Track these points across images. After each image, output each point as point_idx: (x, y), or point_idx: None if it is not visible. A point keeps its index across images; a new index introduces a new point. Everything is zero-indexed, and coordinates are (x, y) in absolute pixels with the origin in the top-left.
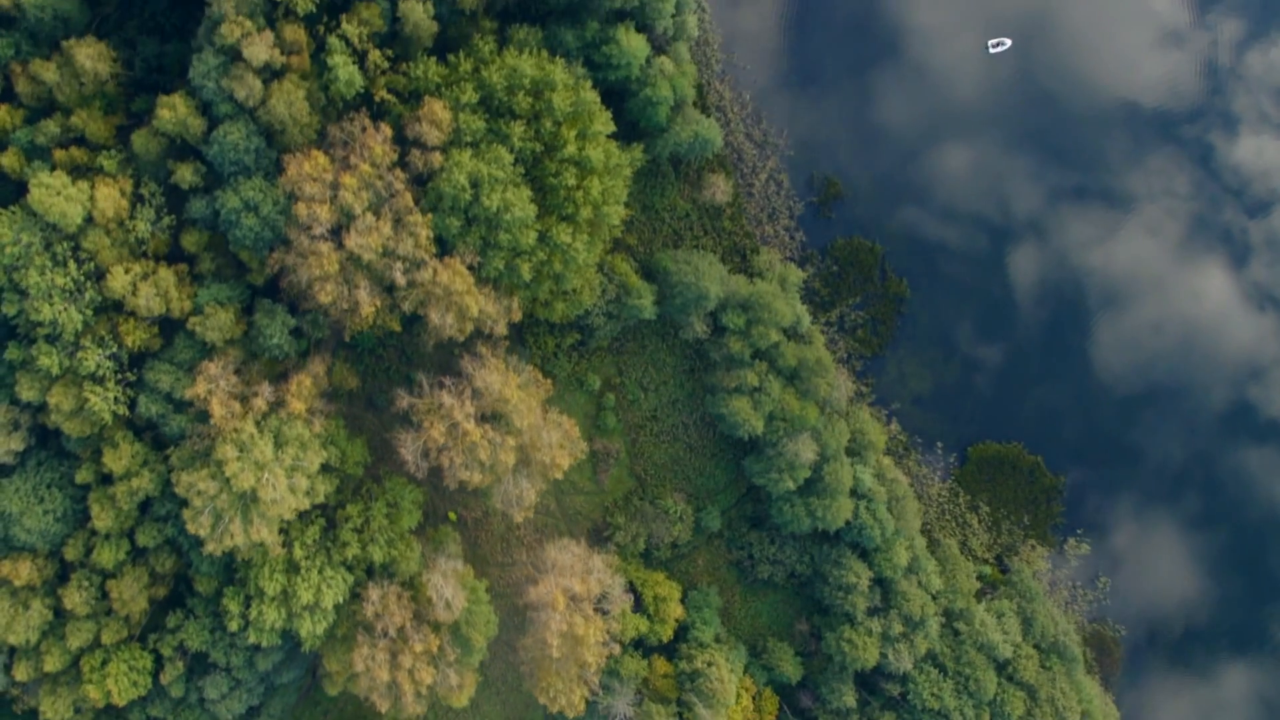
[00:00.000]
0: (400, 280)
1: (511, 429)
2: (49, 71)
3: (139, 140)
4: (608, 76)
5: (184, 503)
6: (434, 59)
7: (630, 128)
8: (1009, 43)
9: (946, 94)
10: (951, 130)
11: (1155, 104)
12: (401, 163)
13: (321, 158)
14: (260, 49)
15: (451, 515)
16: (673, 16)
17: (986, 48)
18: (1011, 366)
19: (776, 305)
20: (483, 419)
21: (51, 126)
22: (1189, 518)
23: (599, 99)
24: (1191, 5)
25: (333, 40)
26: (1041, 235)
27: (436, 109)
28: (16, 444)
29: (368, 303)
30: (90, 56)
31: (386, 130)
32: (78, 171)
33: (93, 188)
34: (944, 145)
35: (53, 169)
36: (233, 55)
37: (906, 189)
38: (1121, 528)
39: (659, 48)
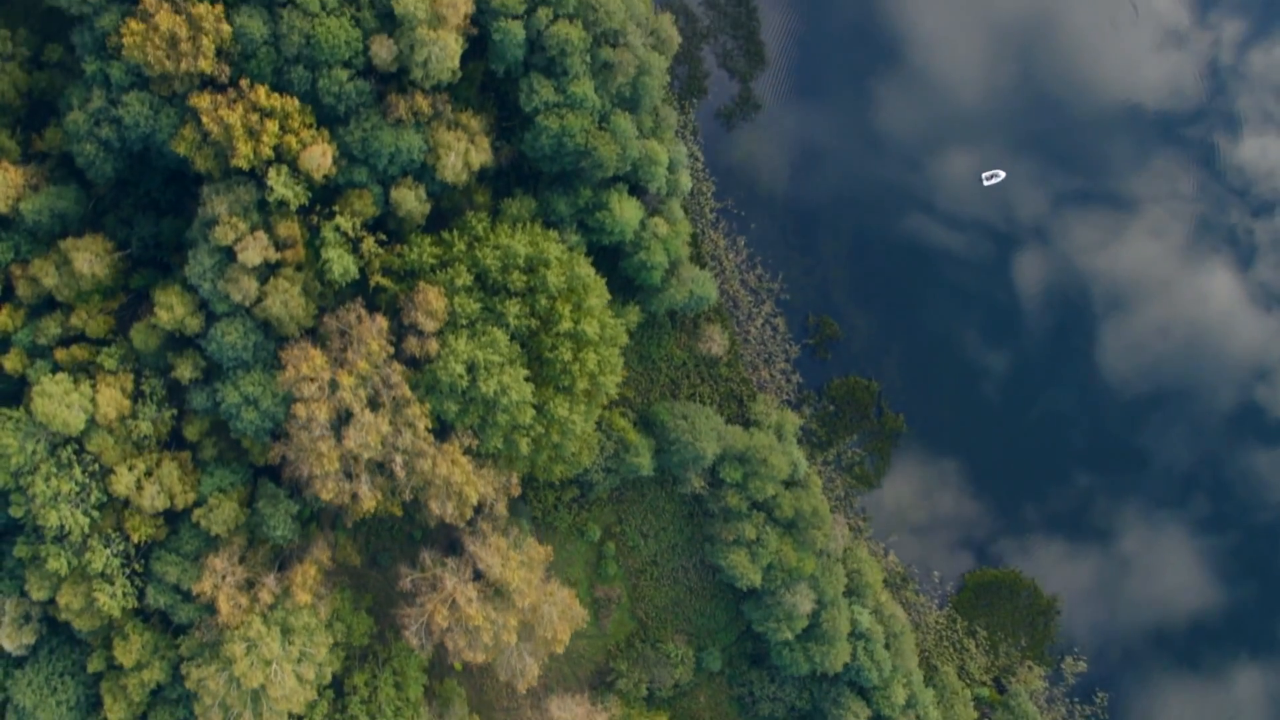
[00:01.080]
0: (400, 473)
1: (513, 607)
2: (48, 276)
3: (138, 336)
4: (602, 240)
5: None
6: (428, 237)
7: (626, 282)
8: (1003, 174)
9: (944, 239)
10: (946, 268)
11: (1158, 106)
12: (398, 345)
13: (319, 358)
14: (254, 253)
15: (457, 665)
16: (666, 176)
17: (980, 179)
18: (1016, 383)
19: (773, 459)
20: (484, 596)
21: (52, 327)
22: (1198, 520)
23: (593, 270)
24: (1192, 5)
25: (327, 233)
26: (1044, 242)
27: (431, 298)
28: (28, 637)
29: (369, 496)
30: (87, 261)
31: (382, 322)
32: (79, 368)
33: (95, 389)
34: (940, 277)
35: (54, 369)
36: (228, 254)
37: (903, 326)
38: (1130, 532)
39: (653, 208)
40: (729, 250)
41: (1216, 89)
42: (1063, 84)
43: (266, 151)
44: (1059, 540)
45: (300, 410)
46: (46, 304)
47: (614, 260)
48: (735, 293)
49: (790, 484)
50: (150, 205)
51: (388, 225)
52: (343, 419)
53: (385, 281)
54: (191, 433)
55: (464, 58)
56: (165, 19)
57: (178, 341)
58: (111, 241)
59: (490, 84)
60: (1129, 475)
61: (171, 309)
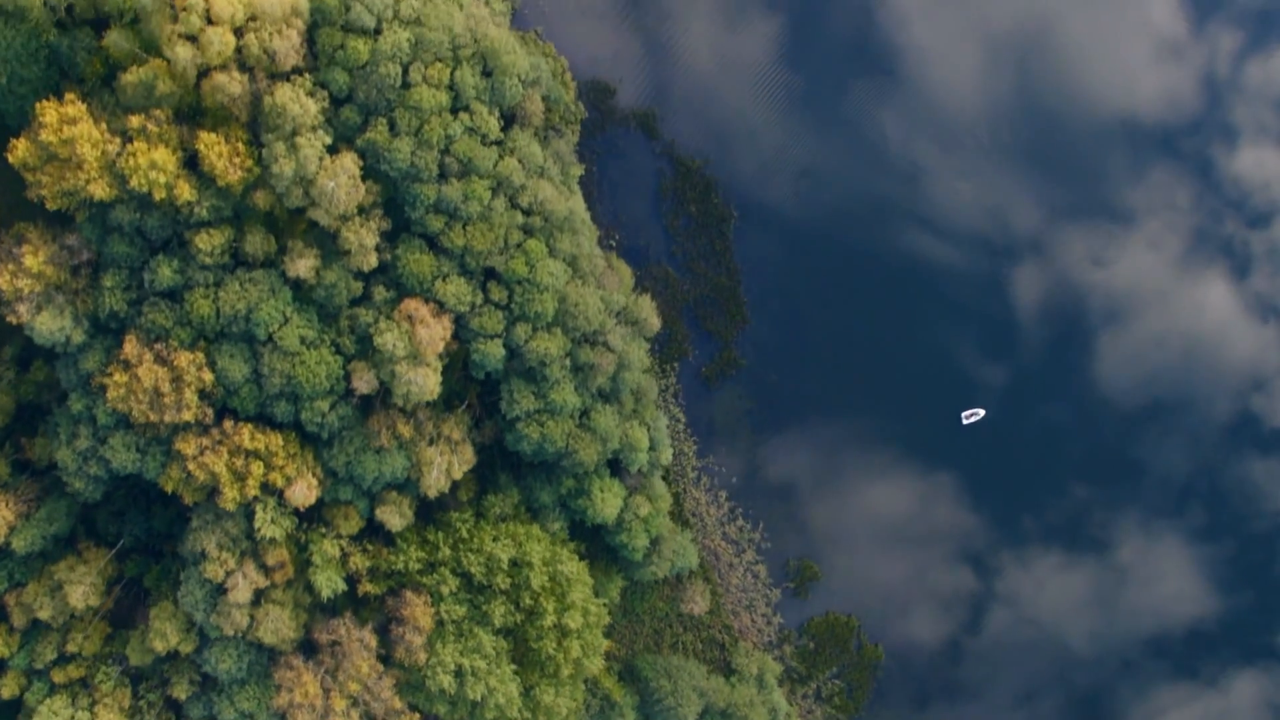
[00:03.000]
0: None
1: None
2: (42, 607)
3: (134, 654)
4: (584, 521)
5: None
6: (414, 540)
7: (610, 550)
8: (983, 413)
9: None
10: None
11: (1154, 118)
12: (387, 650)
13: (311, 684)
14: (244, 591)
15: None
16: (648, 454)
17: (960, 418)
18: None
19: (754, 716)
20: None
21: (48, 652)
22: (1195, 530)
23: (578, 561)
24: (1189, 17)
25: (315, 556)
26: (1040, 255)
27: (418, 613)
28: None
29: None
30: (81, 594)
31: (370, 640)
32: (77, 684)
33: (94, 710)
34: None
35: (51, 688)
36: (219, 587)
37: (884, 566)
38: (1128, 542)
39: (634, 487)
40: (710, 505)
41: (1213, 101)
42: (1058, 97)
43: (253, 492)
44: (1056, 551)
45: None
46: (42, 624)
47: (598, 530)
48: (716, 546)
49: None
50: (141, 497)
51: (374, 523)
52: None
53: (374, 588)
54: None
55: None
56: (147, 373)
57: (174, 655)
58: (102, 548)
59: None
60: (1126, 486)
61: (165, 636)
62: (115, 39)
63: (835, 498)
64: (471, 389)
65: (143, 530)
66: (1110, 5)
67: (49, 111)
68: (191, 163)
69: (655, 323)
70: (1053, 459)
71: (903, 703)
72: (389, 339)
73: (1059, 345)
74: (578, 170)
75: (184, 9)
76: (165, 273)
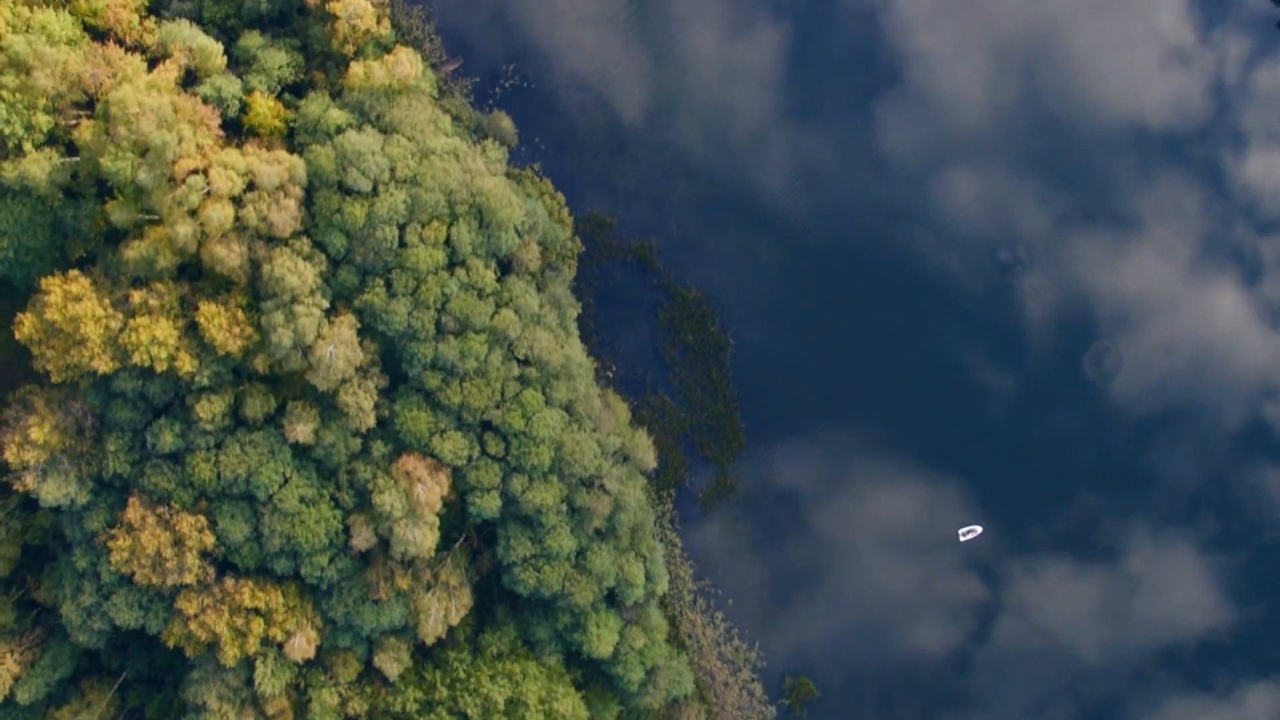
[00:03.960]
0: None
1: None
2: None
3: None
4: (580, 652)
5: None
6: (412, 683)
7: (607, 675)
8: (979, 530)
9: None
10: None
11: (1162, 124)
12: None
13: None
14: None
15: None
16: (644, 586)
17: (958, 536)
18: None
19: None
20: None
21: None
22: (1207, 540)
23: (574, 694)
24: (1196, 23)
25: (314, 705)
26: (1047, 263)
27: None
28: None
29: None
30: None
31: None
32: None
33: None
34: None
35: None
36: None
37: (881, 676)
38: (1138, 551)
39: (630, 619)
40: (707, 626)
41: (1221, 106)
42: (1066, 103)
43: (253, 648)
44: (1065, 560)
45: None
46: None
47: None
48: (712, 666)
49: None
50: (142, 632)
51: (373, 664)
52: None
53: None
54: None
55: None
56: (150, 538)
57: None
58: (106, 680)
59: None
60: (1136, 494)
61: None
62: (117, 213)
63: (830, 611)
64: (469, 524)
65: (145, 664)
66: (1117, 11)
67: (54, 289)
68: (193, 326)
69: (652, 461)
70: (1062, 467)
71: (911, 714)
72: (387, 499)
73: (1067, 352)
74: (575, 310)
75: (183, 182)
76: (167, 438)
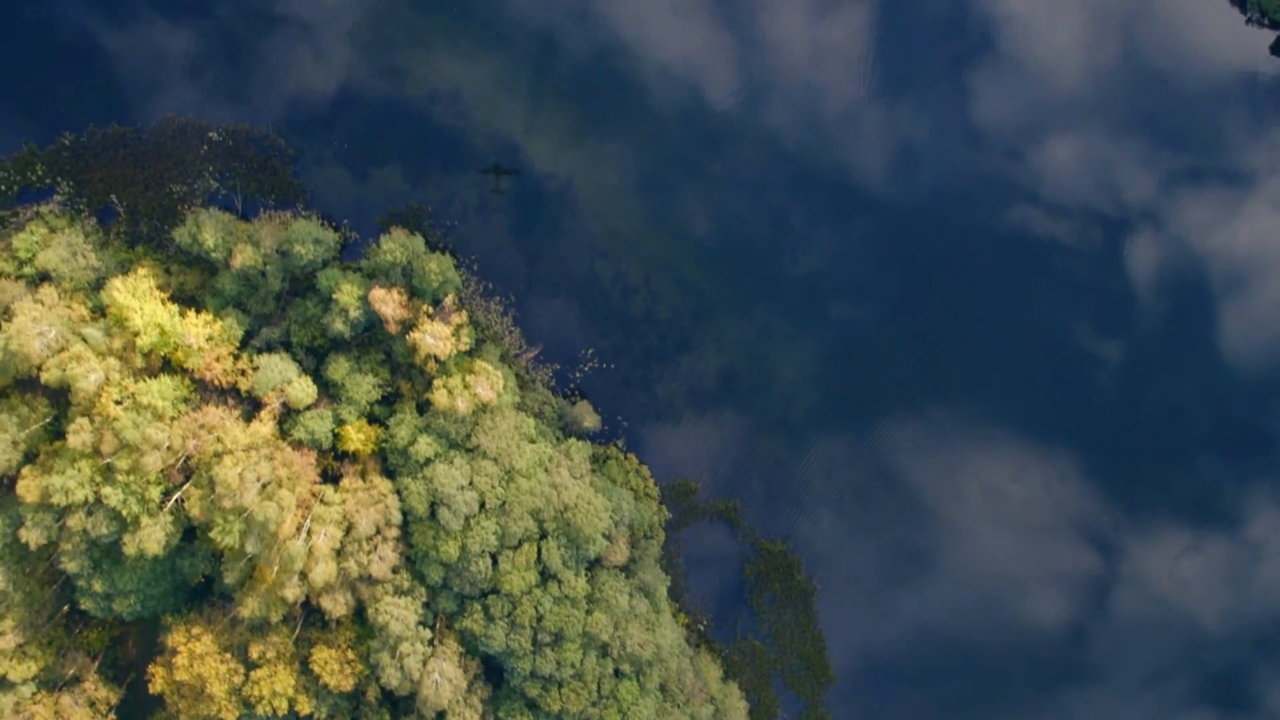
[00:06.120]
0: None
1: None
2: None
3: None
4: None
5: None
6: None
7: None
8: None
9: None
10: None
11: (1274, 72)
12: None
13: None
14: None
15: None
16: None
17: None
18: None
19: None
20: None
21: None
22: None
23: None
24: None
25: None
26: (1156, 225)
27: None
28: None
29: None
30: None
31: None
32: None
33: None
34: None
35: None
36: None
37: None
38: (1260, 516)
39: None
40: None
41: None
42: (1169, 57)
43: None
44: (1184, 528)
45: None
46: None
47: None
48: None
49: None
50: None
51: None
52: None
53: None
54: None
55: None
56: None
57: None
58: None
59: None
60: (1256, 458)
61: None
62: (230, 576)
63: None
64: None
65: None
66: None
67: (180, 647)
68: (307, 663)
69: (744, 716)
70: (1177, 433)
71: (1025, 688)
72: None
73: (1179, 316)
74: (665, 584)
75: (287, 544)
76: None
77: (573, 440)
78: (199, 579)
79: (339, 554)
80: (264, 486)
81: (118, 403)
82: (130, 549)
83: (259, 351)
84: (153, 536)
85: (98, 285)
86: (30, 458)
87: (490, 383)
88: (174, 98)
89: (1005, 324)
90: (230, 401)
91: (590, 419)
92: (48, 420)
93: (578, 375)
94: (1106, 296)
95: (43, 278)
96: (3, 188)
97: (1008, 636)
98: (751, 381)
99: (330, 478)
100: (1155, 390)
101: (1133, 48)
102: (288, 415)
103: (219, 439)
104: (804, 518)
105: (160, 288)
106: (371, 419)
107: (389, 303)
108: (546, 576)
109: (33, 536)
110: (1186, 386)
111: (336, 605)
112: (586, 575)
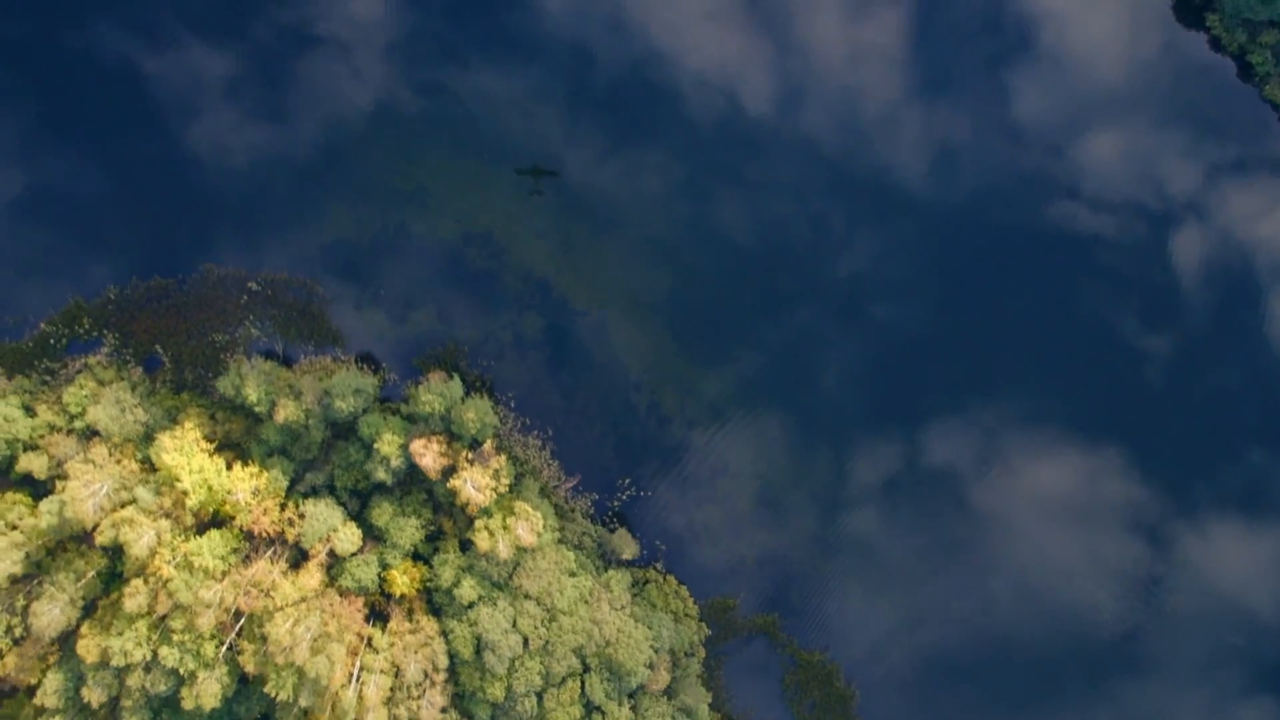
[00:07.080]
0: None
1: None
2: None
3: None
4: None
5: None
6: None
7: None
8: None
9: None
10: None
11: None
12: None
13: None
14: None
15: None
16: None
17: None
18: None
19: None
20: None
21: None
22: None
23: None
24: None
25: None
26: (1200, 218)
27: None
28: None
29: None
30: None
31: None
32: None
33: None
34: None
35: None
36: None
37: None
38: None
39: None
40: None
41: None
42: (1209, 46)
43: None
44: (1235, 519)
45: None
46: None
47: None
48: None
49: None
50: None
51: None
52: None
53: None
54: None
55: None
56: None
57: None
58: None
59: None
60: None
61: None
62: None
63: None
64: None
65: None
66: None
67: None
68: None
69: None
70: (1226, 424)
71: (1078, 679)
72: None
73: (1226, 307)
74: (706, 701)
75: (339, 694)
76: None
77: (612, 571)
78: (255, 718)
79: (389, 701)
80: (314, 640)
81: (170, 563)
82: (189, 703)
83: (304, 496)
84: (209, 690)
85: (147, 437)
86: (88, 608)
87: (530, 525)
88: (216, 250)
89: (1051, 321)
90: (277, 548)
91: (629, 549)
92: (102, 568)
93: (616, 503)
94: (1152, 290)
95: (93, 432)
96: (52, 341)
97: (1057, 631)
98: (790, 503)
99: (377, 613)
100: (1203, 382)
101: (1172, 37)
102: (334, 562)
103: (269, 597)
104: (838, 611)
105: (207, 438)
106: (415, 556)
107: (428, 454)
108: (591, 709)
109: (95, 696)
110: (1234, 377)
111: None
112: (629, 703)
